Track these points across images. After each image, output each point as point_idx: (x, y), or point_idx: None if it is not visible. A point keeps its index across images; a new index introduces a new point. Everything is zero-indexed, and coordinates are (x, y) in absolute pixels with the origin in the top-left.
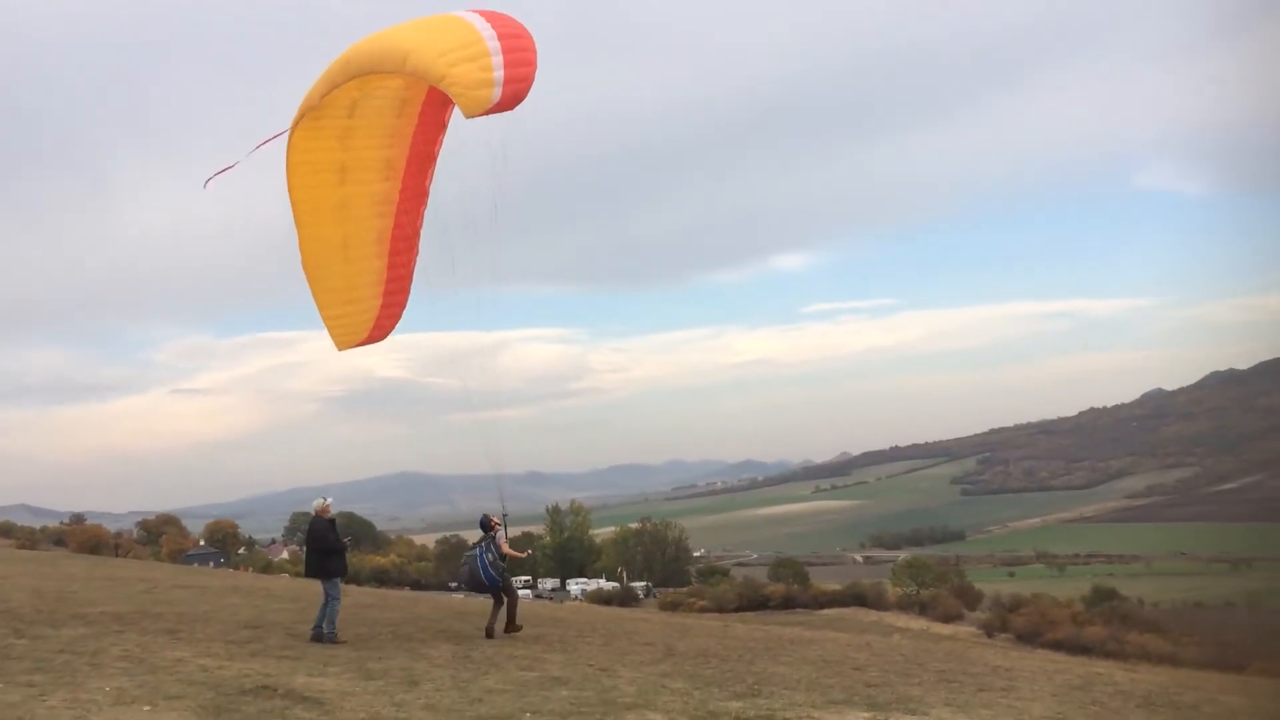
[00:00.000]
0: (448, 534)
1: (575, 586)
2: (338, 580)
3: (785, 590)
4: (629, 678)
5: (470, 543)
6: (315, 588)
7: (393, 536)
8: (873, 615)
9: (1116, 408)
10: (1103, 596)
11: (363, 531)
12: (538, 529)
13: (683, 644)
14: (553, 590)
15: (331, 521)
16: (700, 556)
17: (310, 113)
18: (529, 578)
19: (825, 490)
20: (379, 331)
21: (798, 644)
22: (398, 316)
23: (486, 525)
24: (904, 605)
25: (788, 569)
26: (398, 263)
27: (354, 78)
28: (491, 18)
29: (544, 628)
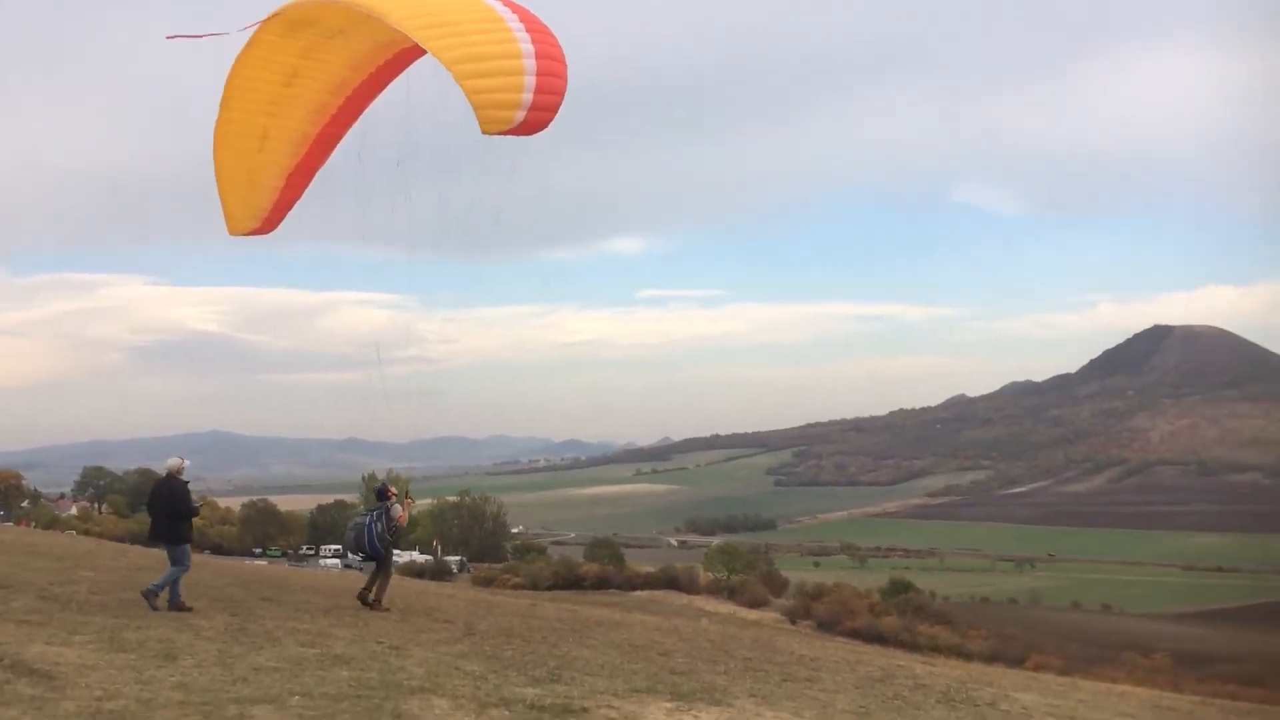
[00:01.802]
0: (255, 498)
1: None
2: (186, 547)
3: (600, 570)
4: (420, 658)
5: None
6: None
7: (196, 498)
8: (684, 598)
9: (923, 410)
10: (899, 589)
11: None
12: (351, 498)
13: (485, 622)
14: (363, 561)
15: (185, 483)
16: (518, 533)
17: (294, 19)
18: (339, 547)
19: (646, 474)
20: (268, 225)
21: (605, 626)
22: (284, 213)
23: (383, 494)
24: (714, 590)
25: (604, 549)
26: (306, 165)
27: (362, 14)
28: (527, 21)
29: (338, 599)
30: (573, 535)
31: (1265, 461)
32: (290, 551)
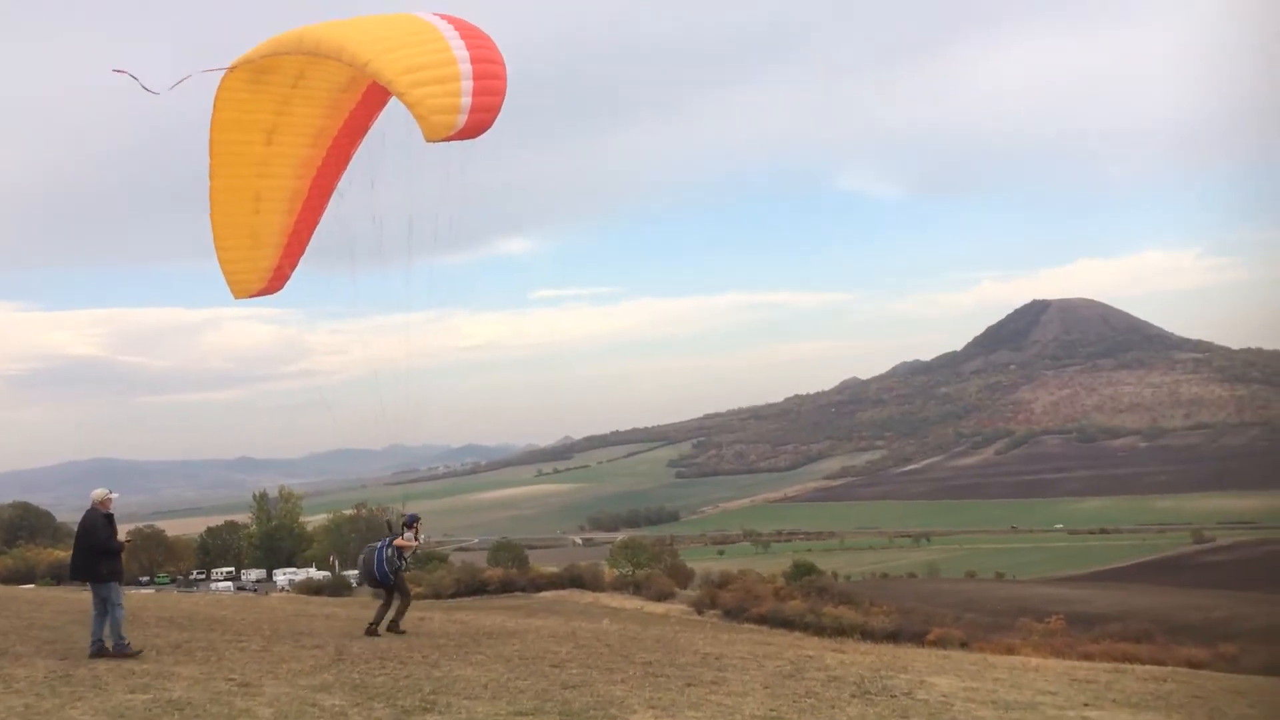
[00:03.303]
0: (142, 524)
1: (282, 577)
2: (114, 584)
3: (504, 574)
4: (273, 695)
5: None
6: None
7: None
8: (589, 596)
9: (818, 394)
10: (802, 571)
11: (39, 523)
12: (243, 518)
13: (360, 644)
14: (257, 581)
15: (109, 516)
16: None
17: (252, 70)
18: (231, 569)
19: (548, 473)
20: (276, 282)
21: (496, 638)
22: (292, 269)
23: (412, 521)
24: (619, 586)
25: (507, 552)
26: (304, 220)
27: (307, 55)
28: (464, 30)
29: (194, 632)
30: (475, 540)
31: (1140, 426)
32: (180, 577)
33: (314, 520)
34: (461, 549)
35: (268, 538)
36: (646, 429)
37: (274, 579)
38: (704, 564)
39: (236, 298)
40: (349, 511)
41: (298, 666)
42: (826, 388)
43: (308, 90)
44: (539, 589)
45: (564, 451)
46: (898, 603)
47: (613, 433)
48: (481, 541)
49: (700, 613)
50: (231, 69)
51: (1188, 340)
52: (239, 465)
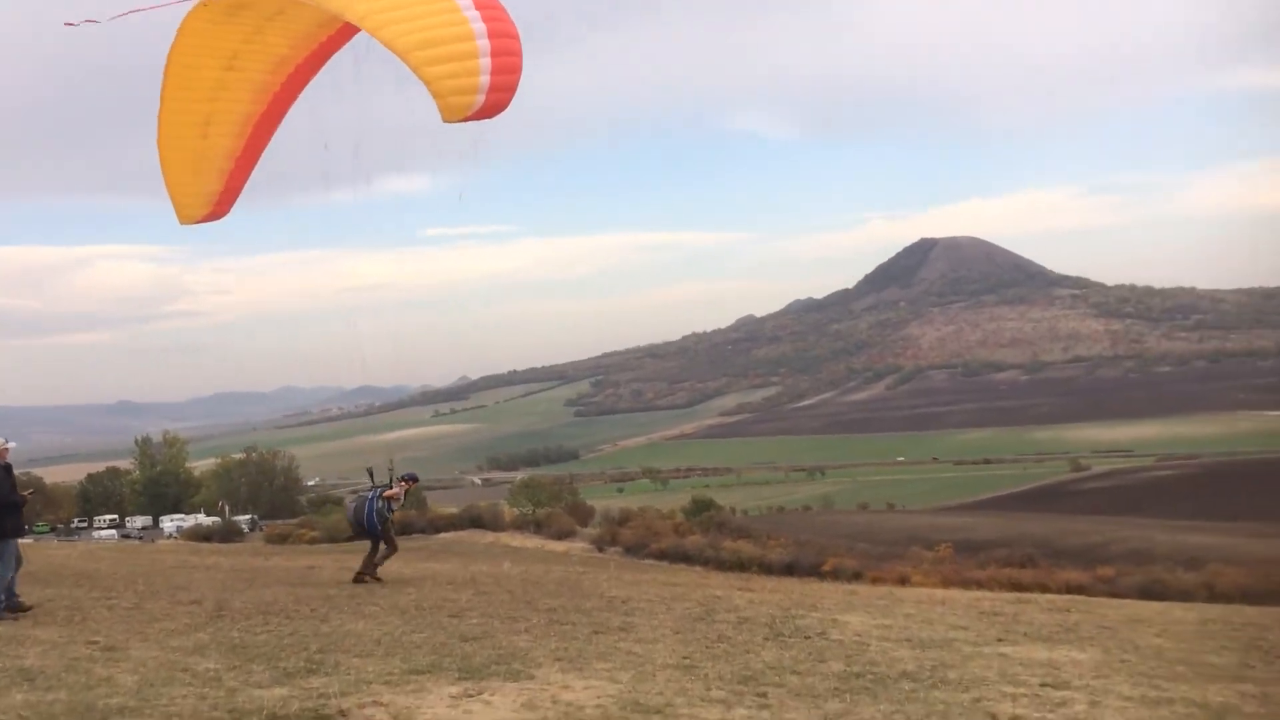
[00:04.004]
0: (18, 473)
1: (169, 524)
2: (13, 541)
3: (402, 515)
4: (139, 660)
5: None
6: None
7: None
8: (489, 537)
9: (714, 333)
10: (701, 507)
11: None
12: (125, 464)
13: (244, 597)
14: (143, 529)
15: (7, 467)
16: (313, 486)
17: (229, 6)
18: (114, 516)
19: (444, 414)
20: (221, 207)
21: (392, 586)
22: (237, 194)
23: (414, 479)
24: (520, 525)
25: (405, 494)
26: (252, 145)
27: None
28: (479, 1)
29: (60, 588)
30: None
31: (1021, 360)
32: (60, 526)
33: (201, 465)
34: (357, 491)
35: (152, 484)
36: (544, 368)
37: (160, 526)
38: (604, 502)
39: (182, 223)
40: (238, 455)
41: (171, 625)
42: (723, 326)
43: (283, 23)
44: (438, 530)
45: (461, 392)
46: (794, 535)
47: (510, 372)
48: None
49: (601, 550)
50: (205, 3)
51: (1066, 277)
52: (119, 410)
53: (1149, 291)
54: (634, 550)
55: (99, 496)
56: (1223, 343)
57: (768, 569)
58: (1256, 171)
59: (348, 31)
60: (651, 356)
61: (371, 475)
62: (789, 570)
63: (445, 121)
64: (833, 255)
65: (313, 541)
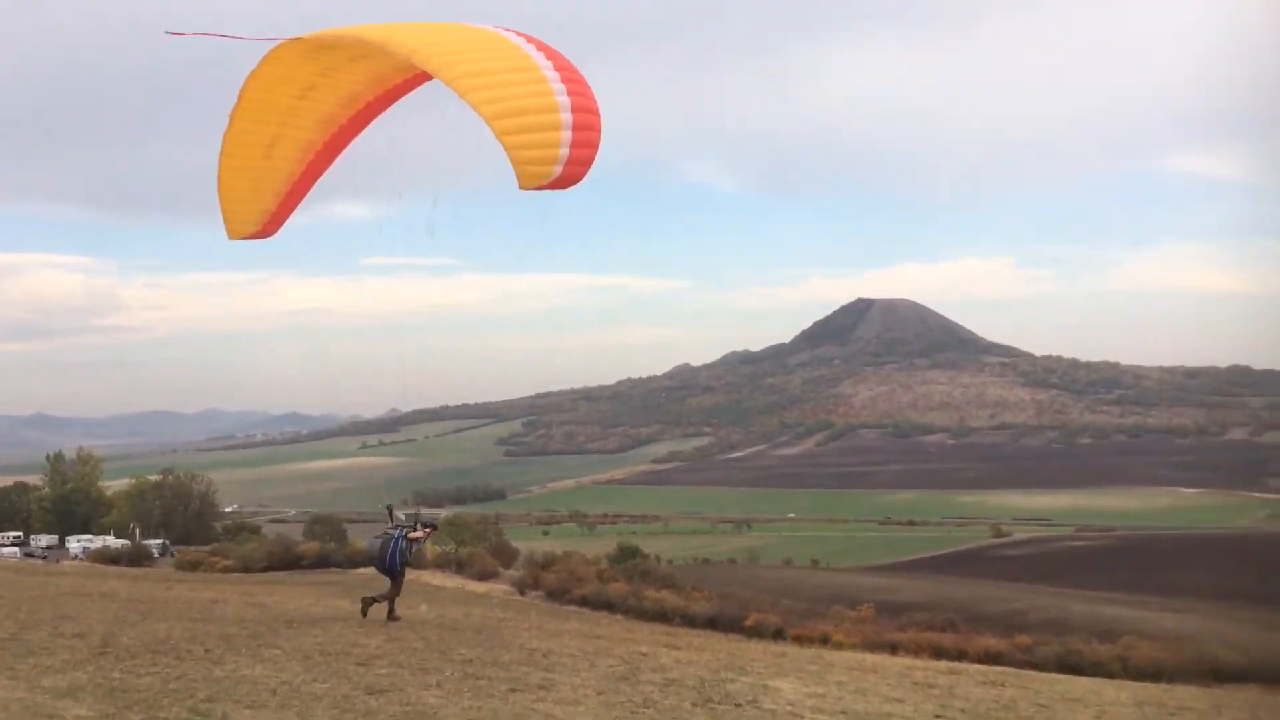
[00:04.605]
0: None
1: (76, 544)
2: None
3: (319, 549)
4: (1, 701)
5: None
6: None
7: None
8: (409, 575)
9: (650, 379)
10: (626, 554)
11: None
12: (34, 479)
13: (135, 631)
14: (47, 548)
15: None
16: (232, 512)
17: (315, 45)
18: (19, 534)
19: (373, 446)
20: (271, 226)
21: (297, 626)
22: (288, 216)
23: (433, 526)
24: (442, 564)
25: (324, 526)
26: (310, 171)
27: (392, 50)
28: (563, 70)
29: None
30: (292, 512)
31: (950, 424)
32: None
33: (115, 485)
34: (277, 520)
35: (61, 501)
36: (476, 405)
37: (66, 546)
38: (529, 544)
39: (231, 238)
40: (154, 477)
41: (47, 661)
42: (658, 373)
43: (366, 65)
44: (356, 565)
45: (390, 424)
46: (718, 588)
47: (441, 407)
48: (298, 514)
49: (523, 593)
50: (298, 40)
51: (996, 345)
52: (34, 422)
53: (1075, 364)
54: (556, 595)
55: (4, 512)
56: (1143, 418)
57: (690, 620)
58: (1184, 254)
59: (422, 77)
60: (586, 400)
61: (390, 513)
62: (712, 623)
63: (522, 189)
64: (771, 309)
65: (225, 570)
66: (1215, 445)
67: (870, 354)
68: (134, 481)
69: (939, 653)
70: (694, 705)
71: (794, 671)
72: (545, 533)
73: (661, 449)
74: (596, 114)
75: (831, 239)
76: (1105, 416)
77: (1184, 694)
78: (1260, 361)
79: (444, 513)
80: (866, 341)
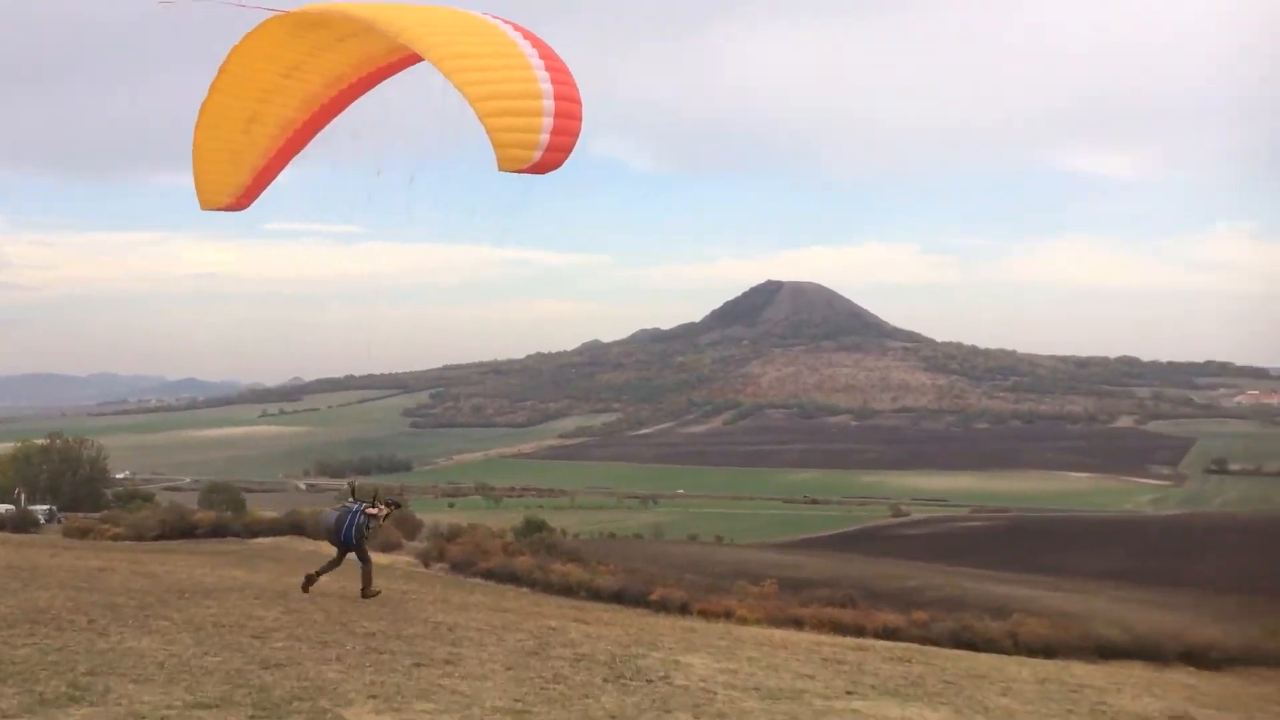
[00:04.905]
0: None
1: None
2: None
3: (216, 518)
4: None
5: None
6: None
7: None
8: (310, 545)
9: (559, 354)
10: (532, 528)
11: None
12: None
13: (14, 600)
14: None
15: None
16: (124, 479)
17: (308, 21)
18: None
19: (274, 415)
20: (244, 200)
21: (190, 597)
22: (261, 191)
23: (390, 503)
24: None
25: (221, 494)
26: (288, 148)
27: (379, 29)
28: (546, 58)
29: None
30: (188, 480)
31: (853, 406)
32: None
33: (0, 448)
34: (171, 488)
35: None
36: (383, 376)
37: None
38: (434, 516)
39: (203, 208)
40: (41, 441)
41: None
42: (568, 348)
43: (353, 45)
44: (255, 535)
45: (292, 393)
46: (624, 562)
47: (347, 377)
48: (194, 482)
49: (427, 565)
50: (287, 15)
51: (900, 330)
52: None
53: (974, 351)
54: (461, 568)
55: None
56: (1037, 405)
57: (596, 595)
58: (1079, 248)
59: (408, 60)
60: (495, 373)
61: (353, 490)
62: (618, 598)
63: (501, 170)
64: (682, 288)
65: (115, 538)
66: (1103, 432)
67: (778, 335)
68: (19, 445)
69: (839, 628)
70: (605, 681)
71: (704, 647)
72: (451, 505)
73: (570, 424)
74: (578, 103)
75: (742, 220)
76: (1001, 402)
77: (1080, 671)
78: (1147, 353)
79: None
80: (775, 323)
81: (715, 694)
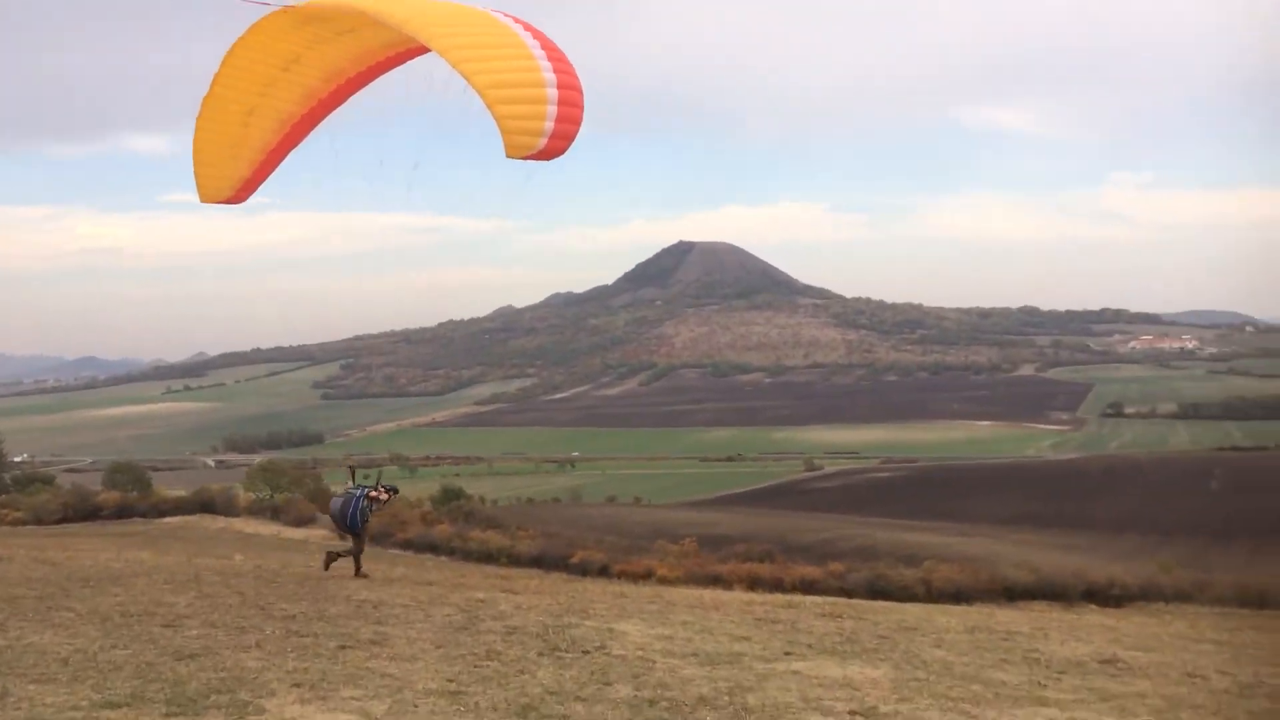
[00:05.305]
0: None
1: None
2: None
3: (120, 498)
4: None
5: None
6: None
7: None
8: (220, 522)
9: (471, 321)
10: (450, 496)
11: None
12: None
13: None
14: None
15: None
16: (22, 462)
17: (308, 15)
18: None
19: (178, 391)
20: (243, 193)
21: (94, 585)
22: (259, 184)
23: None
24: (256, 511)
25: (125, 474)
26: (286, 142)
27: (382, 22)
28: (548, 50)
29: None
30: (90, 461)
31: (766, 363)
32: None
33: None
34: (72, 470)
35: None
36: (290, 348)
37: None
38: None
39: (203, 201)
40: None
41: None
42: (480, 315)
43: (353, 39)
44: (162, 514)
45: (197, 368)
46: (543, 527)
47: (253, 350)
48: (96, 462)
49: (342, 538)
50: (289, 10)
51: (810, 287)
52: None
53: (882, 306)
54: (379, 539)
55: None
56: (943, 356)
57: (516, 560)
58: (982, 203)
59: (407, 54)
60: (406, 342)
61: (353, 474)
62: (538, 562)
63: (508, 157)
64: (595, 251)
65: (15, 524)
66: (1006, 381)
67: (691, 296)
68: None
69: (759, 582)
70: (540, 654)
71: (637, 613)
72: (366, 477)
73: (484, 390)
74: (580, 91)
75: (653, 182)
76: (909, 355)
77: (1004, 617)
78: (1047, 303)
79: (258, 458)
80: (687, 284)
81: (654, 662)
